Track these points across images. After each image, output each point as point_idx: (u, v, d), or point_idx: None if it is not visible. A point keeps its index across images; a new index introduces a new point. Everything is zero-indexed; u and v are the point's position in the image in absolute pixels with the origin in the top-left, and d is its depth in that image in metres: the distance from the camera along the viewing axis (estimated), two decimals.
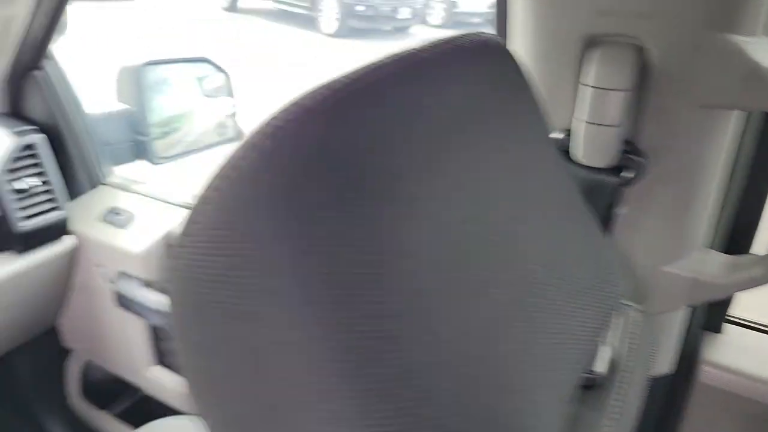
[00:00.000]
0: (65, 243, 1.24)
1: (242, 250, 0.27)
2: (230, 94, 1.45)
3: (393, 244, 0.29)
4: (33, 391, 1.60)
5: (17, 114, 1.24)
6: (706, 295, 0.69)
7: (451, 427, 0.28)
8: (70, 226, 1.23)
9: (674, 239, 0.68)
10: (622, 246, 0.69)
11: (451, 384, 0.29)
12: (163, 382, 1.31)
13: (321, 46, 7.87)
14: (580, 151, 0.64)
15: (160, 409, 1.36)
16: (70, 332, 1.50)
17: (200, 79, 1.42)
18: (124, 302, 1.21)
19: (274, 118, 0.28)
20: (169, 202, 1.28)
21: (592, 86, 0.61)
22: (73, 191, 1.27)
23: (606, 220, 0.65)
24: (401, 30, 8.83)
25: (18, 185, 1.11)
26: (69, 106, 1.22)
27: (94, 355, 1.48)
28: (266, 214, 0.26)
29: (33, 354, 1.57)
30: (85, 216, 1.26)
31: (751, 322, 0.88)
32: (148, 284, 1.19)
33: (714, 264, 0.68)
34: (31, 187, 1.14)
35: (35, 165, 1.16)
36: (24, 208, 1.14)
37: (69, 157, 1.26)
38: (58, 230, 1.21)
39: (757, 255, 0.67)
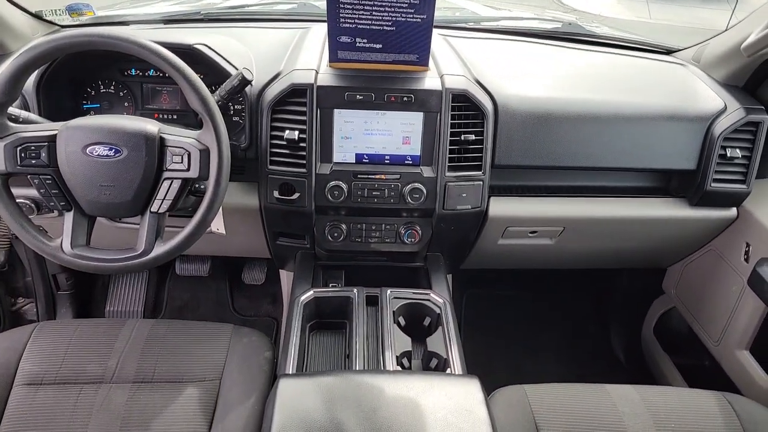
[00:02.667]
0: (729, 212, 1.40)
1: None
2: None
3: None
4: (630, 306, 1.94)
5: (751, 92, 1.40)
6: None
7: None
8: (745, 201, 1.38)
9: None
10: None
11: None
12: (744, 366, 1.38)
13: None
14: None
15: (725, 383, 1.46)
16: (672, 277, 1.73)
17: None
18: (757, 284, 1.30)
19: None
20: None
21: None
22: (760, 172, 1.38)
23: None
24: None
25: (730, 153, 1.31)
26: None
27: (685, 306, 1.67)
28: None
29: (634, 279, 1.90)
30: (759, 196, 1.37)
31: None
32: None
33: None
34: (733, 157, 1.32)
35: (748, 140, 1.32)
36: (719, 173, 1.33)
37: None
38: (732, 200, 1.38)
39: None
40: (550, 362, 1.89)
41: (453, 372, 1.11)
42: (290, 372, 1.08)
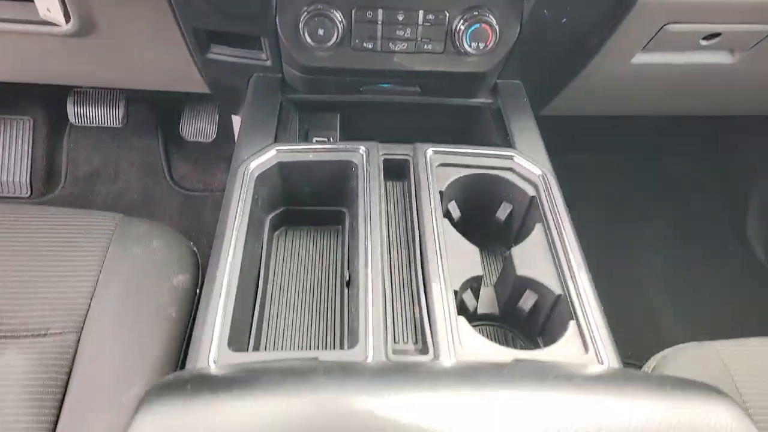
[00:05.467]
0: None
1: None
2: None
3: None
4: None
5: None
6: None
7: None
8: None
9: None
10: None
11: None
12: None
13: None
14: None
15: None
16: None
17: None
18: None
19: None
20: None
21: None
22: None
23: None
24: None
25: None
26: None
27: None
28: None
29: None
30: None
31: None
32: None
33: None
34: None
35: None
36: None
37: None
38: None
39: None
40: (658, 265, 1.31)
41: (588, 323, 0.53)
42: (214, 339, 0.49)
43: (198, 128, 1.35)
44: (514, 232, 0.70)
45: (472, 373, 0.36)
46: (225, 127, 1.37)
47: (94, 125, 1.29)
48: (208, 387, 0.33)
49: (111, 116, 1.27)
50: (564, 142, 1.19)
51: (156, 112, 1.39)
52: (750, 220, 1.38)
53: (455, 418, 0.32)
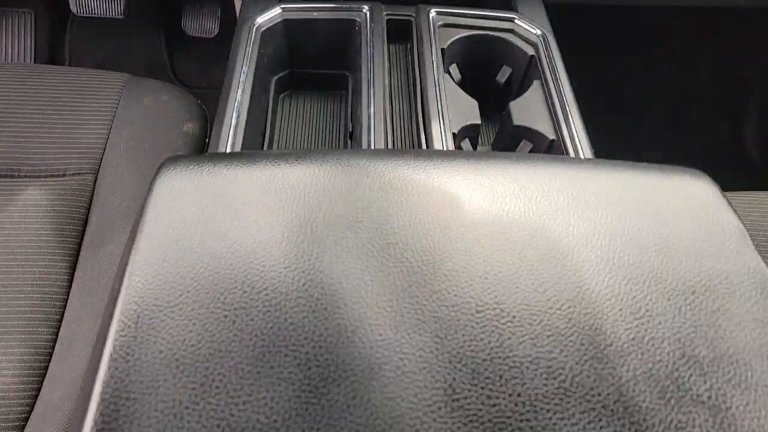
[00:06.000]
0: None
1: None
2: None
3: None
4: None
5: None
6: None
7: None
8: None
9: None
10: None
11: None
12: None
13: None
14: None
15: None
16: None
17: None
18: None
19: None
20: None
21: None
22: None
23: None
24: None
25: None
26: None
27: None
28: None
29: None
30: None
31: None
32: None
33: None
34: None
35: None
36: None
37: None
38: None
39: None
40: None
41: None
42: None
43: (200, 24, 1.35)
44: (513, 96, 0.72)
45: (465, 153, 0.39)
46: (227, 21, 1.37)
47: (96, 15, 1.28)
48: (226, 157, 0.36)
49: (112, 6, 1.27)
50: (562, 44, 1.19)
51: (157, 6, 1.38)
52: (747, 122, 1.40)
53: (449, 177, 0.35)
